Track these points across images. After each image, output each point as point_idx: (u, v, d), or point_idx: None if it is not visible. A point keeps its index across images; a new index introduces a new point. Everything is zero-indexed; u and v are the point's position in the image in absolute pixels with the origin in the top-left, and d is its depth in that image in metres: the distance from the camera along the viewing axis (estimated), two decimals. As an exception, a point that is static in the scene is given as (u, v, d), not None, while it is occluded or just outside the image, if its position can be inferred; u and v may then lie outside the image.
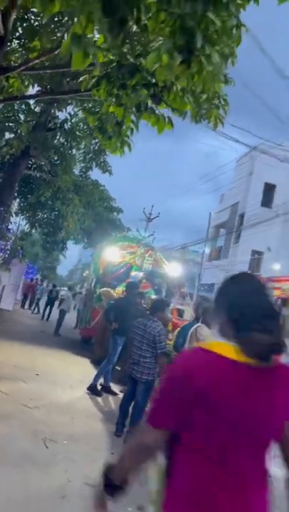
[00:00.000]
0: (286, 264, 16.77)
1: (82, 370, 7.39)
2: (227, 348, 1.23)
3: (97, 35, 4.35)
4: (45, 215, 16.44)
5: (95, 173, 21.80)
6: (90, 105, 9.17)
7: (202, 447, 1.21)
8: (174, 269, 10.82)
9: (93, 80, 5.54)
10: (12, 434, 3.77)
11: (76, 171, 15.91)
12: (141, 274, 9.59)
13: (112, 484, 1.33)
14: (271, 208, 18.55)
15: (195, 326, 4.35)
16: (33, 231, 19.63)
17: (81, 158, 14.67)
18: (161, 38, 3.59)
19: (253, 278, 1.44)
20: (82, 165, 15.44)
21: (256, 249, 18.94)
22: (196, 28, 3.41)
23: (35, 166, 13.88)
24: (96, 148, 13.95)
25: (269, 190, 19.85)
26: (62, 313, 12.29)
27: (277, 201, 18.73)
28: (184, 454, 1.25)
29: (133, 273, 10.05)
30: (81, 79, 5.65)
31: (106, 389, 6.31)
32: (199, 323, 4.38)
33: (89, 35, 3.48)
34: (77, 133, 12.10)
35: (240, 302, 1.28)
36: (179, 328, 5.46)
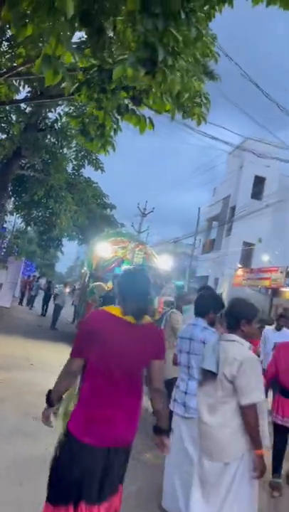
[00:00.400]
0: (276, 255, 17.15)
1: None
2: (117, 311, 2.04)
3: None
4: (40, 213, 16.77)
5: (88, 171, 22.04)
6: (74, 107, 9.47)
7: (97, 368, 1.95)
8: (164, 263, 11.20)
9: (74, 86, 5.90)
10: (5, 413, 4.18)
11: (69, 169, 16.25)
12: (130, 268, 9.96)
13: (52, 402, 2.08)
14: (261, 200, 18.91)
15: (169, 312, 4.78)
16: (29, 229, 19.97)
17: (73, 156, 14.97)
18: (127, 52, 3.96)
19: (136, 271, 2.29)
20: (75, 163, 15.76)
21: (247, 240, 19.35)
22: (157, 42, 3.76)
23: (28, 165, 14.20)
24: (113, 139, 14.22)
25: (259, 182, 20.21)
26: (58, 308, 12.69)
27: (266, 193, 19.07)
28: (88, 374, 1.98)
29: (123, 267, 10.42)
30: (63, 85, 6.01)
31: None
32: (173, 309, 4.79)
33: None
34: (68, 132, 12.42)
35: (125, 286, 2.09)
36: (161, 316, 5.88)
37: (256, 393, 2.19)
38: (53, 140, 12.57)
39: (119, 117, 6.35)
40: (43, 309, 16.93)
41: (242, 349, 2.28)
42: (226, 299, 17.23)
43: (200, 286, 6.12)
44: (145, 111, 6.27)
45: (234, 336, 2.33)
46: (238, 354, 2.25)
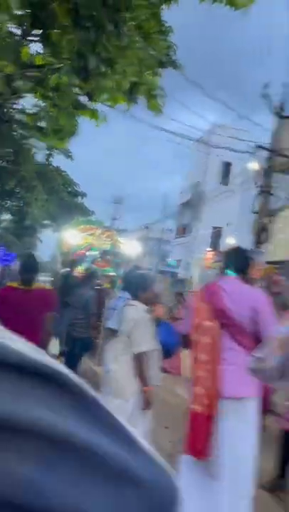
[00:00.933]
0: (244, 237, 17.88)
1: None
2: (16, 284, 2.97)
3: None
4: (14, 203, 17.11)
5: (60, 160, 22.25)
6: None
7: (7, 324, 2.84)
8: (131, 249, 11.81)
9: (29, 86, 6.34)
10: None
11: (39, 158, 16.56)
12: (94, 254, 10.54)
13: None
14: (228, 186, 19.56)
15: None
16: (2, 218, 20.17)
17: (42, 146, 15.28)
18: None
19: (25, 255, 3.57)
20: (47, 152, 16.08)
21: (216, 225, 20.06)
22: (89, 52, 4.27)
23: (-3, 155, 14.46)
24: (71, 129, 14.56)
25: (226, 168, 20.84)
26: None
27: (233, 178, 19.72)
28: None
29: (90, 253, 10.98)
30: (16, 83, 6.44)
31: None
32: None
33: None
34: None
35: (20, 264, 3.15)
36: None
37: (145, 344, 2.83)
38: (19, 131, 12.87)
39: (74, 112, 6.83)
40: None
41: (138, 311, 2.90)
42: (196, 281, 18.09)
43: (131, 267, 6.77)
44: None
45: (134, 302, 2.96)
46: (134, 314, 2.87)
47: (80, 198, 18.56)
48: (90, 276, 5.87)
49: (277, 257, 9.80)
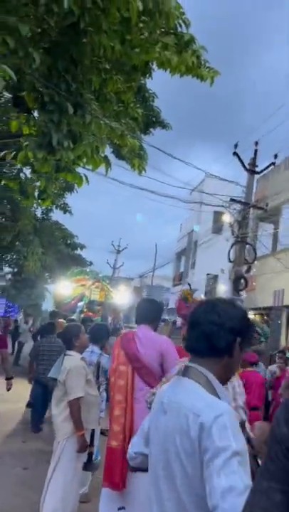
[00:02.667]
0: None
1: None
2: None
3: None
4: (14, 256, 17.78)
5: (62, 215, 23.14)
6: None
7: None
8: (121, 298, 12.23)
9: (12, 153, 7.07)
10: None
11: (38, 213, 17.43)
12: (81, 304, 10.96)
13: None
14: (221, 234, 20.19)
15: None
16: (5, 271, 20.79)
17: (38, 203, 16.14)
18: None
19: None
20: (43, 208, 16.95)
21: (210, 272, 20.50)
22: (52, 131, 4.91)
23: (-5, 212, 15.30)
24: (55, 191, 15.47)
25: (218, 217, 21.54)
26: (21, 345, 13.56)
27: (225, 227, 20.38)
28: None
29: (80, 303, 11.39)
30: (2, 153, 7.18)
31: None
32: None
33: None
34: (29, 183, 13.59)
35: None
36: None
37: (78, 391, 3.16)
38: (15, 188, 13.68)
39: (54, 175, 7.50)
40: (13, 347, 17.61)
41: (73, 360, 3.27)
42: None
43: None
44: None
45: (70, 352, 3.34)
46: (68, 364, 3.23)
47: (79, 249, 19.22)
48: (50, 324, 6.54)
49: (259, 304, 10.12)
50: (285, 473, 0.76)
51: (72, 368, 3.19)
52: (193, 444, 1.13)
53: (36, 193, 8.02)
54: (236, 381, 2.27)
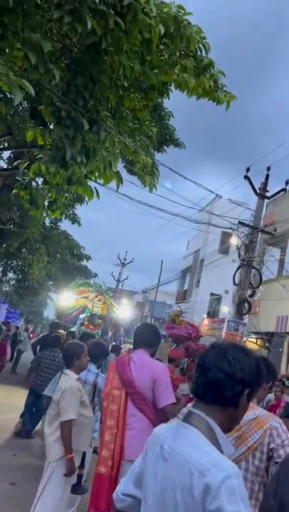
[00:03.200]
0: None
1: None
2: None
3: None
4: (20, 263, 17.82)
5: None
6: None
7: None
8: (123, 311, 12.21)
9: (26, 163, 7.14)
10: None
11: (47, 223, 17.52)
12: (83, 316, 10.92)
13: None
14: (228, 255, 20.18)
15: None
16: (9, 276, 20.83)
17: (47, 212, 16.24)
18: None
19: None
20: (52, 217, 17.04)
21: (214, 292, 20.41)
22: (67, 146, 4.95)
23: (4, 218, 15.40)
24: (65, 202, 15.55)
25: (225, 238, 21.56)
26: (19, 353, 13.49)
27: (232, 249, 20.37)
28: None
29: (81, 315, 11.36)
30: (16, 163, 7.26)
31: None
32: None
33: None
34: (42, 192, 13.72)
35: None
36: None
37: (70, 413, 3.10)
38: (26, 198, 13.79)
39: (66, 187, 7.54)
40: (12, 355, 17.50)
41: (68, 380, 3.22)
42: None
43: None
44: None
45: (68, 371, 3.29)
46: (64, 384, 3.18)
47: (85, 260, 19.22)
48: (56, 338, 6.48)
49: (261, 329, 10.03)
50: None
51: (68, 388, 3.14)
52: (196, 504, 1.09)
53: (46, 203, 8.09)
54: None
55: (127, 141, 7.32)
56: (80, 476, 3.19)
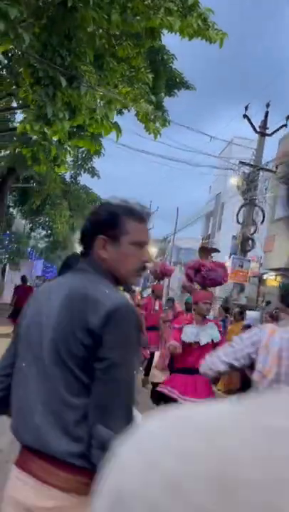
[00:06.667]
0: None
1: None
2: None
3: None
4: (46, 219, 18.69)
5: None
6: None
7: None
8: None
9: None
10: None
11: (67, 177, 18.10)
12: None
13: None
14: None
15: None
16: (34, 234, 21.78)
17: (71, 166, 16.73)
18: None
19: None
20: (72, 172, 17.56)
21: (235, 234, 20.53)
22: (47, 104, 5.37)
23: (26, 177, 16.05)
24: (83, 156, 15.92)
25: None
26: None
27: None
28: None
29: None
30: (17, 124, 7.75)
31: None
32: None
33: None
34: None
35: None
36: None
37: None
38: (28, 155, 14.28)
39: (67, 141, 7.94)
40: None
41: None
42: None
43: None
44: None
45: None
46: None
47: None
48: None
49: (277, 265, 10.35)
50: None
51: None
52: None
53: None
54: None
55: (123, 89, 7.54)
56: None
